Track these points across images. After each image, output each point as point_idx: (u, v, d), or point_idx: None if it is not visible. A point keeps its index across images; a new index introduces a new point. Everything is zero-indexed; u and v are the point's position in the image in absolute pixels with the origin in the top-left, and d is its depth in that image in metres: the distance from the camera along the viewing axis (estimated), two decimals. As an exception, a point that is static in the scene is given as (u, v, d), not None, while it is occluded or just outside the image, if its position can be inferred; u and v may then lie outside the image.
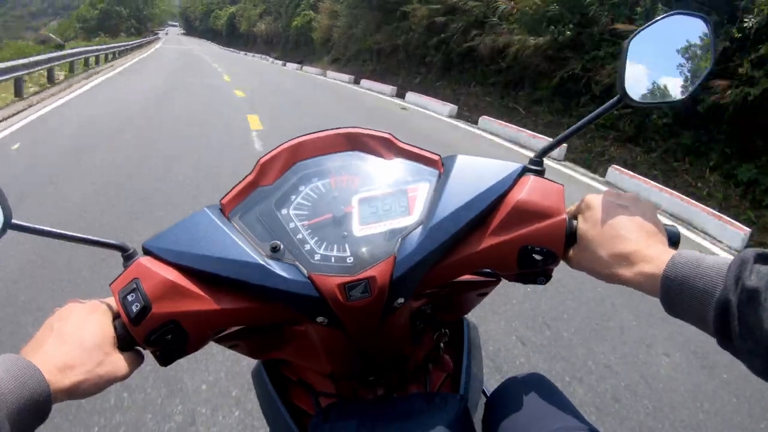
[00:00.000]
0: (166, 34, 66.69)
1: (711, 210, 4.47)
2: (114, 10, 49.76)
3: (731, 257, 0.40)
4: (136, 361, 0.51)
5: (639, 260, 0.46)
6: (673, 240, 0.51)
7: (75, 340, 0.46)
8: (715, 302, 0.39)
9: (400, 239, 0.50)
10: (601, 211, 0.51)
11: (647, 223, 0.50)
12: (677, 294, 0.42)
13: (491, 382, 0.72)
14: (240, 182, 0.56)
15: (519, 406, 0.56)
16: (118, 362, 0.48)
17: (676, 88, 0.57)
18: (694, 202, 4.68)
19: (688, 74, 0.57)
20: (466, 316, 0.70)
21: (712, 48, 0.55)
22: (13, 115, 7.03)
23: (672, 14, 0.57)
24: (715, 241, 4.21)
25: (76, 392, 0.45)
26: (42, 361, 0.43)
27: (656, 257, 0.45)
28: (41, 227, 0.52)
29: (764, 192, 4.95)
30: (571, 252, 0.53)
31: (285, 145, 0.57)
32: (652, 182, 5.26)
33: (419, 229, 0.50)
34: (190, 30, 75.04)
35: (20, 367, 0.41)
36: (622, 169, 5.70)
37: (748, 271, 0.38)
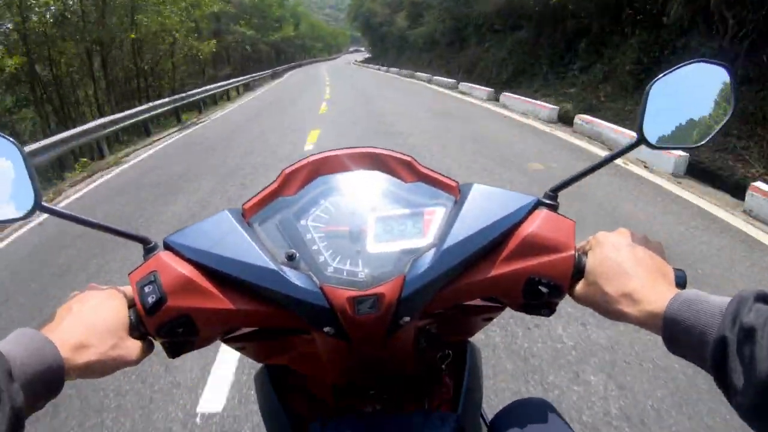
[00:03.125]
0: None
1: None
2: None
3: (731, 297, 0.41)
4: (146, 349, 0.53)
5: (643, 299, 0.47)
6: (680, 281, 0.52)
7: (91, 322, 0.49)
8: (713, 340, 0.39)
9: (411, 260, 0.51)
10: (610, 248, 0.52)
11: (655, 263, 0.51)
12: (678, 332, 0.43)
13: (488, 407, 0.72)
14: (263, 190, 0.58)
15: (522, 430, 0.57)
16: (129, 348, 0.51)
17: (694, 133, 0.58)
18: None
19: (708, 120, 0.58)
20: (470, 339, 0.71)
21: (732, 96, 0.56)
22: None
23: (694, 62, 0.58)
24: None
25: (88, 371, 0.47)
26: (58, 339, 0.45)
27: (660, 296, 0.46)
28: (67, 212, 0.55)
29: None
30: (577, 287, 0.54)
31: (310, 159, 0.59)
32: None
33: (431, 251, 0.52)
34: (377, 49, 39.36)
35: (38, 342, 0.43)
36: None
37: (746, 309, 0.38)
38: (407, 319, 0.52)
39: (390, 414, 0.62)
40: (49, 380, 0.42)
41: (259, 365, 0.70)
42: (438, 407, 0.66)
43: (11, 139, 0.53)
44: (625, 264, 0.50)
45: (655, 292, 0.47)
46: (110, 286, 0.54)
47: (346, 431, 0.57)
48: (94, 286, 0.54)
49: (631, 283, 0.48)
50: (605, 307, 0.51)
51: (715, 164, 4.69)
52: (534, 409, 0.60)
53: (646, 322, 0.46)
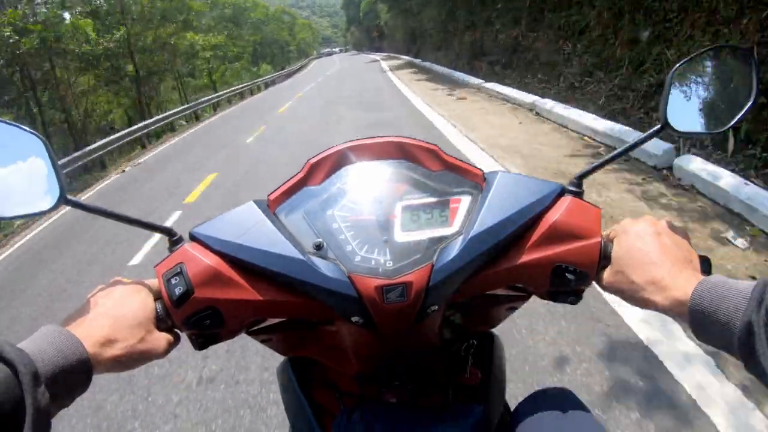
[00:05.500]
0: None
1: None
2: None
3: (755, 282, 0.40)
4: (173, 341, 0.53)
5: (669, 286, 0.47)
6: (705, 267, 0.51)
7: (117, 316, 0.49)
8: (739, 325, 0.39)
9: (438, 248, 0.51)
10: (636, 236, 0.52)
11: (680, 250, 0.51)
12: (704, 319, 0.43)
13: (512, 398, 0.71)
14: (288, 180, 0.58)
15: (545, 420, 0.57)
16: (157, 341, 0.51)
17: (717, 118, 0.58)
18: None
19: (730, 106, 0.58)
20: (493, 329, 0.71)
21: (754, 81, 0.56)
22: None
23: (715, 47, 0.58)
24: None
25: (116, 366, 0.47)
26: (84, 334, 0.45)
27: (686, 283, 0.46)
28: (92, 205, 0.55)
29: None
30: (603, 274, 0.54)
31: (335, 149, 0.59)
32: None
33: (458, 239, 0.52)
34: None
35: (63, 339, 0.43)
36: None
37: None
38: (435, 307, 0.52)
39: (415, 405, 0.62)
40: (76, 377, 0.42)
41: (282, 358, 0.70)
42: (462, 397, 0.66)
43: (38, 134, 0.54)
44: (652, 252, 0.50)
45: (681, 280, 0.46)
46: (135, 279, 0.55)
47: (372, 422, 0.56)
48: (118, 280, 0.54)
49: (658, 271, 0.48)
50: (632, 295, 0.50)
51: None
52: (556, 398, 0.60)
53: (673, 309, 0.46)
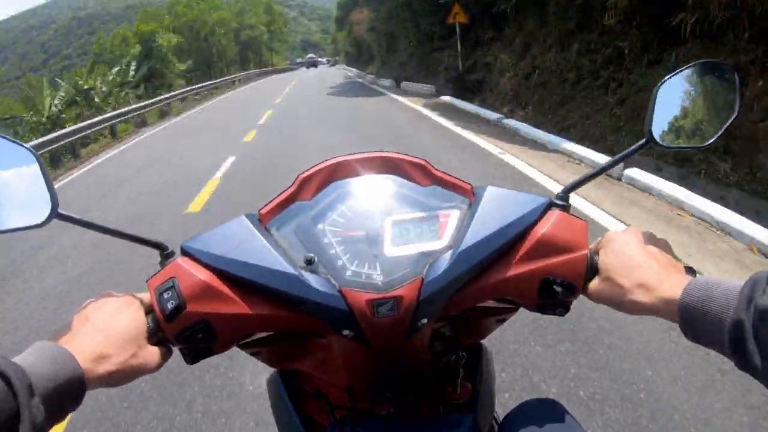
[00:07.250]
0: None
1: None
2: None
3: (745, 280, 0.41)
4: (165, 355, 0.53)
5: (658, 287, 0.47)
6: (691, 275, 0.52)
7: (109, 331, 0.48)
8: (729, 323, 0.39)
9: (429, 262, 0.52)
10: (622, 243, 0.53)
11: (666, 257, 0.52)
12: (694, 318, 0.43)
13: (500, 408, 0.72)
14: (279, 195, 0.58)
15: (532, 430, 0.57)
16: (149, 355, 0.51)
17: (701, 132, 0.59)
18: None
19: (714, 120, 0.59)
20: (482, 341, 0.71)
21: (737, 95, 0.58)
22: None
23: (700, 63, 0.59)
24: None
25: (109, 381, 0.47)
26: (77, 350, 0.45)
27: (674, 284, 0.46)
28: (84, 219, 0.55)
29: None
30: (591, 284, 0.55)
31: (325, 164, 0.60)
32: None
33: (448, 253, 0.52)
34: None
35: (56, 354, 0.43)
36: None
37: (761, 291, 0.38)
38: (425, 320, 0.52)
39: (406, 416, 0.62)
40: (69, 393, 0.42)
41: (272, 370, 0.70)
42: (453, 408, 0.66)
43: (28, 147, 0.54)
44: (638, 257, 0.51)
45: (669, 281, 0.47)
46: (126, 293, 0.55)
47: None
48: (109, 293, 0.54)
49: (645, 273, 0.49)
50: (620, 300, 0.51)
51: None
52: (544, 410, 0.61)
53: (662, 309, 0.47)
